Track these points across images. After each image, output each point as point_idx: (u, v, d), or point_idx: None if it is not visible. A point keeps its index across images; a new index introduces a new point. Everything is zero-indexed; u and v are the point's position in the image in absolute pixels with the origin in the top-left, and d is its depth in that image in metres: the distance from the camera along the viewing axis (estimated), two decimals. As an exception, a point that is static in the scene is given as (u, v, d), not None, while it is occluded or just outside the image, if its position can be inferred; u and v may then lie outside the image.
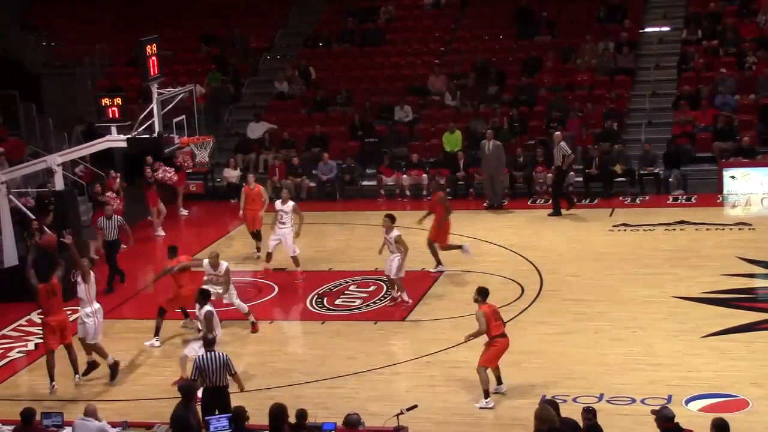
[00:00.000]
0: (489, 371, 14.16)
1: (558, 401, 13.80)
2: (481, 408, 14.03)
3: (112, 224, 20.48)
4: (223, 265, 17.25)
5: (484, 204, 25.04)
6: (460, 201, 25.46)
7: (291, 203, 20.26)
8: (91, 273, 15.80)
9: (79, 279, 15.74)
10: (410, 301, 18.47)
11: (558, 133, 24.48)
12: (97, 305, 15.75)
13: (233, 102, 30.75)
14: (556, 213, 23.86)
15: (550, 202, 24.48)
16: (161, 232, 24.03)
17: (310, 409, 12.33)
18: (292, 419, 11.70)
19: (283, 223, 20.07)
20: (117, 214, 21.11)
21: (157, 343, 17.21)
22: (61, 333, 15.41)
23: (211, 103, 29.92)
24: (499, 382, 14.46)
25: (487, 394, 14.08)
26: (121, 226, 20.62)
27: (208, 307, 15.01)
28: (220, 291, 17.02)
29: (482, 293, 14.29)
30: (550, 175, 25.18)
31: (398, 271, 18.31)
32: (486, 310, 14.14)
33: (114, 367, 15.68)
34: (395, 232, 18.42)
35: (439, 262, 20.08)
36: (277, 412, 11.47)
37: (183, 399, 12.05)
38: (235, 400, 13.04)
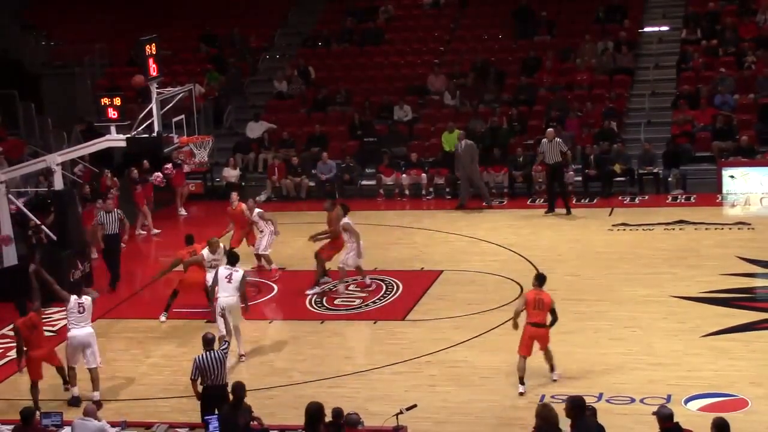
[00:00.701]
0: (525, 359, 14.54)
1: (557, 401, 13.89)
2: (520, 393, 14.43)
3: (112, 218, 20.60)
4: (221, 248, 17.92)
5: (485, 205, 25.08)
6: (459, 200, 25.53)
7: (256, 211, 20.26)
8: (71, 297, 15.07)
9: None
10: (369, 283, 19.19)
11: (551, 129, 24.41)
12: (72, 332, 14.95)
13: (242, 93, 30.95)
14: (567, 211, 23.81)
15: (546, 200, 24.48)
16: (155, 230, 24.20)
17: (310, 409, 12.36)
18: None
19: (261, 231, 20.27)
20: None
21: (164, 318, 18.13)
22: (48, 362, 14.93)
23: (224, 92, 30.44)
24: (551, 369, 14.71)
25: (521, 381, 14.41)
26: (121, 220, 20.86)
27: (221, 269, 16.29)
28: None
29: (537, 278, 14.90)
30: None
31: (346, 260, 18.86)
32: (528, 296, 14.69)
33: (73, 402, 14.85)
34: (345, 220, 18.85)
35: (324, 274, 19.49)
36: (315, 411, 11.31)
37: (234, 398, 11.89)
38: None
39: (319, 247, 19.54)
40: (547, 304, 14.57)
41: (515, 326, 14.68)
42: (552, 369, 14.73)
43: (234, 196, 21.23)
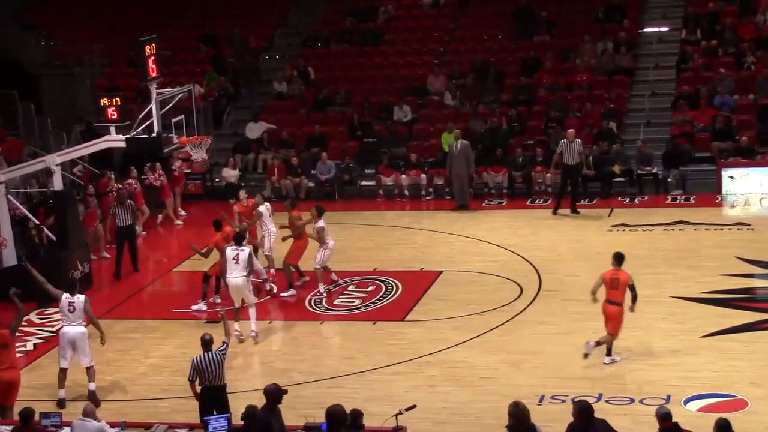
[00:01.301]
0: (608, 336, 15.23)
1: (557, 401, 13.90)
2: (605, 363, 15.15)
3: (125, 209, 20.86)
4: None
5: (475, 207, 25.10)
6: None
7: (265, 206, 20.01)
8: (62, 296, 15.15)
9: None
10: (324, 293, 19.08)
11: (572, 130, 24.16)
12: (64, 329, 15.08)
13: (257, 76, 31.06)
14: (574, 211, 23.75)
15: (552, 201, 24.45)
16: (142, 231, 24.23)
17: (309, 410, 12.37)
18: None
19: (265, 230, 20.11)
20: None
21: (204, 306, 18.54)
22: (6, 392, 13.85)
23: (238, 81, 30.80)
24: (608, 353, 15.22)
25: (608, 352, 15.20)
26: (134, 211, 21.29)
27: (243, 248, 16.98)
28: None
29: (615, 257, 15.38)
30: (548, 174, 25.29)
31: (320, 261, 19.00)
32: (605, 275, 15.25)
33: (59, 404, 14.87)
34: (318, 224, 18.97)
35: (293, 278, 19.41)
36: (338, 415, 11.15)
37: (268, 402, 11.73)
38: (236, 400, 13.09)
39: (286, 251, 19.44)
40: (623, 282, 15.06)
41: (594, 300, 15.41)
42: (608, 353, 15.19)
43: (243, 193, 21.04)
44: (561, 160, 23.79)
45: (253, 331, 16.97)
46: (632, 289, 15.14)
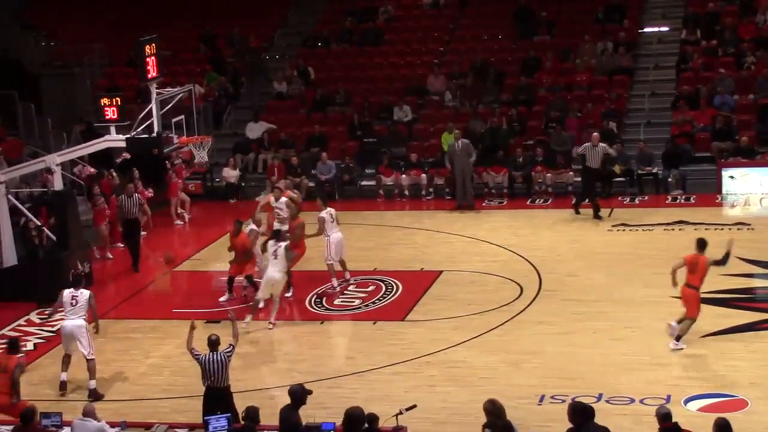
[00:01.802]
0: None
1: (557, 401, 13.91)
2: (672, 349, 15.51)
3: (132, 202, 20.97)
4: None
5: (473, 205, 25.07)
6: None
7: (282, 200, 20.12)
8: (64, 291, 15.32)
9: None
10: (337, 288, 19.20)
11: (596, 134, 23.89)
12: (63, 322, 15.37)
13: (262, 74, 31.16)
14: (577, 212, 23.59)
15: (572, 202, 24.15)
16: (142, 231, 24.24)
17: (310, 410, 12.33)
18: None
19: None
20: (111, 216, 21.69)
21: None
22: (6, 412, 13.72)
23: (239, 81, 30.97)
24: (677, 339, 15.58)
25: (677, 339, 15.56)
26: (142, 205, 21.44)
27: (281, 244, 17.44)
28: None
29: (698, 243, 15.78)
30: (549, 174, 25.29)
31: (328, 256, 19.18)
32: (686, 258, 15.68)
33: (60, 387, 15.19)
34: (320, 214, 19.12)
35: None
36: (358, 417, 11.10)
37: (292, 402, 11.71)
38: (237, 400, 13.09)
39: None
40: (701, 266, 15.43)
41: (674, 284, 15.68)
42: (677, 338, 15.49)
43: (279, 187, 21.13)
44: (583, 162, 23.63)
45: (272, 323, 17.53)
46: (715, 263, 15.58)
